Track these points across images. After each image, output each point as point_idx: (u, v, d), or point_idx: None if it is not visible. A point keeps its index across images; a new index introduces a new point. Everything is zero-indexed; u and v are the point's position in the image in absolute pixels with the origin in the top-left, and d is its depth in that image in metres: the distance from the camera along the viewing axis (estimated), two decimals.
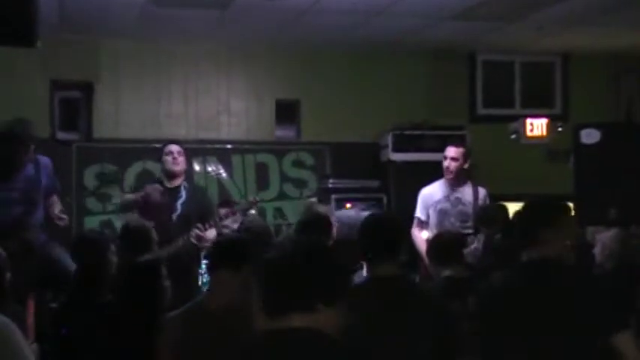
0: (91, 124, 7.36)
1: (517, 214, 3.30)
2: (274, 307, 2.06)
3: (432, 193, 5.95)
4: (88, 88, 7.35)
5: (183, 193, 5.85)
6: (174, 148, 5.92)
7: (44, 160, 5.16)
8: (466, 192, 5.90)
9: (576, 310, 2.97)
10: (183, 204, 5.80)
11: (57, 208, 5.16)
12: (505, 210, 5.32)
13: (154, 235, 4.64)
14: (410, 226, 5.93)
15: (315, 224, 4.40)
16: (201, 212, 5.71)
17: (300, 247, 2.16)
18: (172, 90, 7.55)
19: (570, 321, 2.95)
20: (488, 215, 5.36)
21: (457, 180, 5.89)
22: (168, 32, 7.05)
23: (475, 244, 5.15)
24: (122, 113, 7.44)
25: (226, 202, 7.13)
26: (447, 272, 4.07)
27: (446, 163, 5.88)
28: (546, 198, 3.56)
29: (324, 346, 2.04)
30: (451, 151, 5.90)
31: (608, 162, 7.54)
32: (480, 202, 5.87)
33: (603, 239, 4.64)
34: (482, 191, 5.94)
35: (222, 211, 6.84)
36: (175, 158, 5.85)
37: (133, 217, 5.21)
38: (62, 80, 7.28)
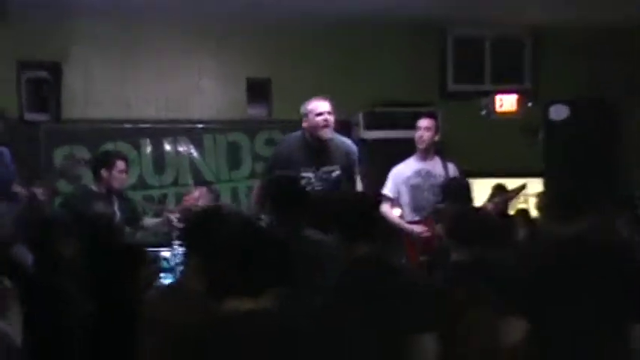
0: (60, 104, 7.28)
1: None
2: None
3: (403, 170, 5.97)
4: (55, 68, 7.26)
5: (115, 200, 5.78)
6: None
7: (1, 149, 5.06)
8: (436, 166, 5.94)
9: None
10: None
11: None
12: (469, 185, 5.33)
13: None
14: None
15: None
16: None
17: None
18: (142, 70, 7.48)
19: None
20: (456, 188, 5.35)
21: (428, 152, 5.92)
22: (137, 11, 6.97)
23: None
24: (91, 93, 7.36)
25: (203, 182, 7.11)
26: (456, 255, 3.76)
27: (419, 133, 5.91)
28: None
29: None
30: (425, 122, 5.95)
31: (577, 137, 7.65)
32: (451, 175, 5.89)
33: None
34: (451, 166, 5.97)
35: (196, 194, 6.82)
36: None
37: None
38: (29, 60, 7.18)
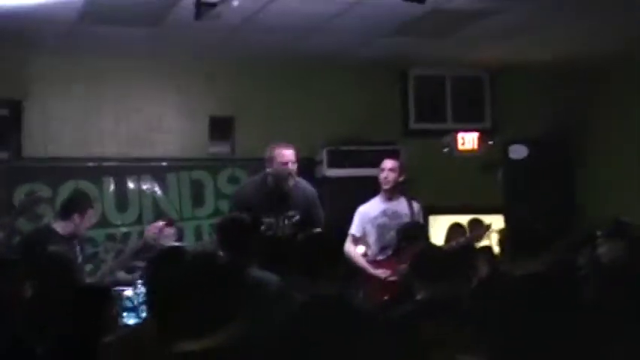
0: (20, 142, 7.21)
1: None
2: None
3: (369, 209, 6.02)
4: (16, 106, 7.20)
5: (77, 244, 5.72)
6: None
7: None
8: (402, 205, 5.99)
9: None
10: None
11: None
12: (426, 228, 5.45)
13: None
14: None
15: None
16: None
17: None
18: (104, 107, 7.45)
19: None
20: (413, 231, 5.45)
21: (393, 192, 5.98)
22: (99, 49, 6.96)
23: None
24: (53, 131, 7.30)
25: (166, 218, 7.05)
26: (421, 293, 3.74)
27: (384, 174, 5.98)
28: None
29: None
30: (389, 163, 6.04)
31: (536, 176, 7.80)
32: (416, 215, 5.96)
33: None
34: (416, 205, 6.04)
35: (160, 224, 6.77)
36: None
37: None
38: None
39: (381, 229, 5.91)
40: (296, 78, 7.80)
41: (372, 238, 5.93)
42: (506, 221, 7.37)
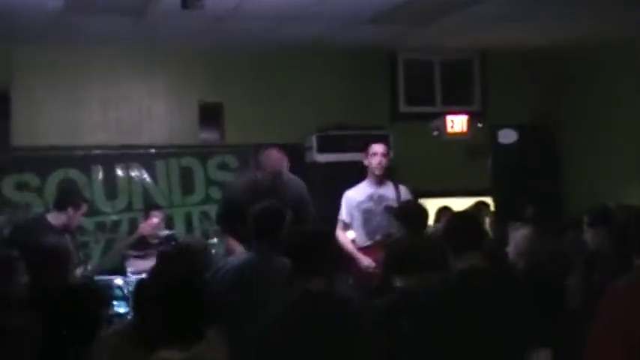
0: (8, 132, 7.19)
1: None
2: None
3: (355, 194, 5.98)
4: (2, 96, 7.17)
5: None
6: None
7: None
8: (389, 190, 5.96)
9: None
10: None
11: None
12: (426, 208, 5.37)
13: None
14: (335, 227, 5.98)
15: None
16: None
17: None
18: (92, 96, 7.43)
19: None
20: (411, 211, 5.32)
21: (383, 177, 5.95)
22: (84, 38, 6.93)
23: None
24: (41, 121, 7.28)
25: (156, 205, 7.06)
26: (398, 283, 3.76)
27: (377, 159, 5.88)
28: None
29: None
30: (380, 147, 5.95)
31: (524, 161, 7.83)
32: (403, 199, 5.93)
33: (517, 237, 4.74)
34: (403, 189, 6.00)
35: (157, 213, 6.78)
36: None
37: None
38: None
39: (367, 214, 5.87)
40: (284, 63, 7.78)
41: (358, 223, 5.90)
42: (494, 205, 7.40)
